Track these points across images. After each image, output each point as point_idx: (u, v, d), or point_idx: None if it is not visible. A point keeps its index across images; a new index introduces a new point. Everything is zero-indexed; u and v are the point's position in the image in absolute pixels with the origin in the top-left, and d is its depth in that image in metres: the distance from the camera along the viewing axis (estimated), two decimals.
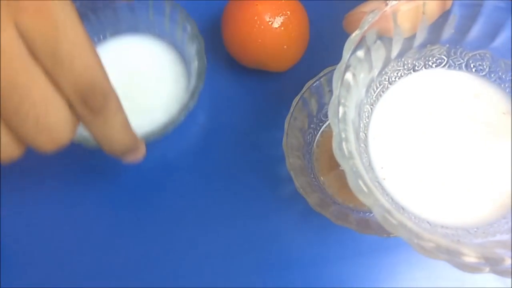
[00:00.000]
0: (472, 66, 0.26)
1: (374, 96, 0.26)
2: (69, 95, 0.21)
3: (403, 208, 0.24)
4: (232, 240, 0.33)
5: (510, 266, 0.19)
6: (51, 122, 0.21)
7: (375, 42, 0.23)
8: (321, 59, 0.33)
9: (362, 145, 0.25)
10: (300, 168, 0.32)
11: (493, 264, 0.19)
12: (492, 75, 0.26)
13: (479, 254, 0.19)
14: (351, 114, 0.23)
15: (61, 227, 0.33)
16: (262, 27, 0.31)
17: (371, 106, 0.26)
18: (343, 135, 0.21)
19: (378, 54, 0.23)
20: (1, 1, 0.19)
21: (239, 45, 0.32)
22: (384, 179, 0.24)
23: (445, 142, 0.25)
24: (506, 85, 0.26)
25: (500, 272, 0.19)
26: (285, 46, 0.32)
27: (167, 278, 0.32)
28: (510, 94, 0.25)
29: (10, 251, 0.33)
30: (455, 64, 0.26)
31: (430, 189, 0.24)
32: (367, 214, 0.31)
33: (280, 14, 0.31)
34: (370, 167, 0.25)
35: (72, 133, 0.22)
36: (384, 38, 0.23)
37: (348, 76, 0.22)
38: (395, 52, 0.24)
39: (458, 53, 0.26)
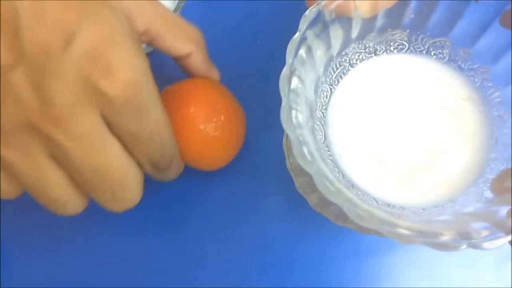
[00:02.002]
0: (432, 53, 0.26)
1: (333, 77, 0.26)
2: (141, 161, 0.23)
3: (352, 186, 0.24)
4: (232, 240, 0.32)
5: (447, 240, 0.20)
6: (125, 195, 0.23)
7: (333, 19, 0.23)
8: None
9: (318, 123, 0.25)
10: (300, 168, 0.32)
11: (429, 237, 0.19)
12: (452, 64, 0.26)
13: (415, 227, 0.19)
14: (306, 89, 0.23)
15: (61, 226, 0.33)
16: (191, 132, 0.28)
17: (331, 86, 0.26)
18: (293, 105, 0.21)
19: (337, 33, 0.24)
20: (87, 94, 0.20)
21: None
22: (339, 155, 0.25)
23: (403, 125, 0.25)
24: (465, 74, 0.26)
25: (435, 245, 0.19)
26: (215, 152, 0.30)
27: (167, 277, 0.32)
28: (470, 81, 0.26)
29: (10, 251, 0.32)
30: (416, 51, 0.27)
31: (383, 169, 0.24)
32: None
33: (214, 119, 0.28)
34: (324, 145, 0.25)
35: (140, 195, 0.24)
36: (344, 17, 0.24)
37: (303, 49, 0.22)
38: (355, 32, 0.25)
39: (419, 40, 0.26)
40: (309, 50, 0.23)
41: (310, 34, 0.22)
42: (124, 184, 0.22)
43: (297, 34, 0.22)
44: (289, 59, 0.21)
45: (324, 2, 0.22)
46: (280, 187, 0.33)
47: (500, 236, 0.19)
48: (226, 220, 0.33)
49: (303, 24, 0.22)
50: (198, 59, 0.29)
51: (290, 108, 0.21)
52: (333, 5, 0.23)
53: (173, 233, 0.33)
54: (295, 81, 0.22)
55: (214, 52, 0.36)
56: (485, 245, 0.19)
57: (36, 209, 0.32)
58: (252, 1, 0.37)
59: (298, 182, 0.31)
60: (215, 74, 0.30)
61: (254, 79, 0.36)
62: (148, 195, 0.33)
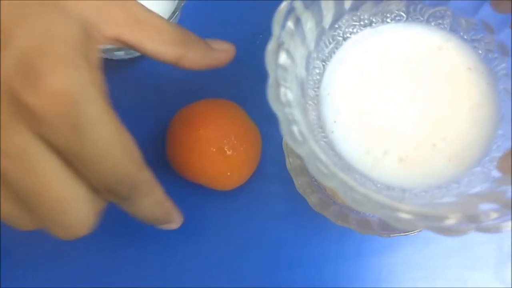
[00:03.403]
0: (432, 24, 0.25)
1: (327, 52, 0.24)
2: (94, 184, 0.20)
3: (349, 168, 0.22)
4: (232, 240, 0.32)
5: (453, 224, 0.18)
6: (69, 222, 0.20)
7: None
8: None
9: (310, 102, 0.23)
10: (300, 168, 0.31)
11: (433, 220, 0.18)
12: (454, 34, 0.24)
13: (418, 211, 0.18)
14: (297, 66, 0.22)
15: None
16: (202, 154, 0.29)
17: (323, 63, 0.24)
18: (282, 82, 0.19)
19: (328, 4, 0.22)
20: (16, 109, 0.18)
21: (180, 165, 0.31)
22: (332, 132, 0.23)
23: (403, 97, 0.23)
24: (469, 45, 0.24)
25: (441, 230, 0.18)
26: (228, 173, 0.30)
27: (167, 277, 0.32)
28: (475, 51, 0.24)
29: (10, 251, 0.32)
30: (415, 22, 0.25)
31: (381, 147, 0.23)
32: (367, 214, 0.31)
33: (224, 141, 0.29)
34: (318, 126, 0.23)
35: (92, 224, 0.21)
36: None
37: (292, 21, 0.20)
38: (348, 3, 0.23)
39: (418, 10, 0.24)
40: (298, 22, 0.21)
41: (298, 4, 0.20)
42: (66, 209, 0.20)
43: (284, 3, 0.20)
44: (276, 31, 0.19)
45: None
46: (280, 188, 0.34)
47: (509, 218, 0.18)
48: (224, 220, 0.33)
49: None
50: (192, 59, 0.25)
51: (278, 85, 0.19)
52: None
53: (171, 232, 0.31)
54: (283, 56, 0.20)
55: None
56: (496, 227, 0.18)
57: None
58: (251, 1, 0.37)
59: (298, 182, 0.31)
60: (223, 58, 0.27)
61: (253, 79, 0.34)
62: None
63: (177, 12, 0.32)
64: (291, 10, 0.20)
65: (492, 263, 0.32)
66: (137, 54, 0.35)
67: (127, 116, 0.33)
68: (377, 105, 0.23)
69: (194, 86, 0.36)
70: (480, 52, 0.24)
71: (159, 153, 0.33)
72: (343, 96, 0.23)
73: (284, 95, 0.19)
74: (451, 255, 0.31)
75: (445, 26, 0.24)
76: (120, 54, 0.34)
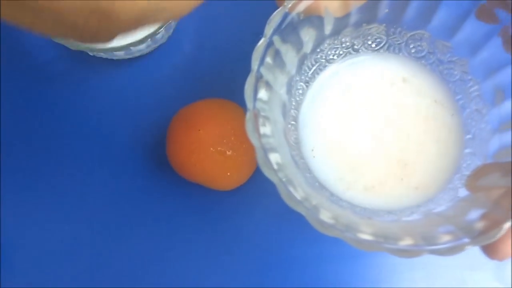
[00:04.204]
0: (411, 46, 0.26)
1: (309, 74, 0.26)
2: None
3: (325, 188, 0.24)
4: (232, 240, 0.33)
5: (408, 246, 0.20)
6: None
7: (302, 20, 0.22)
8: None
9: (293, 122, 0.25)
10: None
11: (391, 241, 0.20)
12: (431, 57, 0.26)
13: (377, 231, 0.20)
14: (277, 93, 0.23)
15: (61, 227, 0.34)
16: (202, 155, 0.29)
17: (307, 84, 0.26)
18: (262, 113, 0.21)
19: (308, 32, 0.23)
20: None
21: (180, 165, 0.31)
22: (314, 156, 0.25)
23: (371, 135, 0.25)
24: (445, 67, 0.26)
25: (396, 251, 0.20)
26: (228, 173, 0.30)
27: (166, 277, 0.32)
28: (441, 83, 0.25)
29: (10, 251, 0.33)
30: (394, 44, 0.26)
31: (353, 175, 0.24)
32: None
33: (224, 141, 0.29)
34: (297, 146, 0.25)
35: None
36: (314, 16, 0.23)
37: (270, 55, 0.22)
38: (328, 29, 0.24)
39: (397, 33, 0.26)
40: (278, 54, 0.22)
41: (277, 39, 0.22)
42: None
43: (262, 40, 0.21)
44: (254, 66, 0.21)
45: (290, 4, 0.22)
46: None
47: (463, 242, 0.19)
48: (225, 219, 0.33)
49: (268, 30, 0.21)
50: None
51: (257, 117, 0.21)
52: (301, 6, 0.22)
53: (172, 231, 0.33)
54: (262, 89, 0.22)
55: (213, 52, 0.36)
56: (449, 251, 0.19)
57: (36, 209, 0.34)
58: (251, 1, 0.37)
59: None
60: None
61: None
62: (147, 193, 0.34)
63: None
64: (269, 45, 0.22)
65: (492, 263, 0.31)
66: (137, 54, 0.35)
67: (128, 116, 0.36)
68: (348, 140, 0.25)
69: (194, 86, 0.36)
70: (456, 73, 0.25)
71: (159, 153, 0.33)
72: (319, 129, 0.25)
73: (262, 125, 0.21)
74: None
75: (423, 48, 0.26)
76: (120, 54, 0.34)
